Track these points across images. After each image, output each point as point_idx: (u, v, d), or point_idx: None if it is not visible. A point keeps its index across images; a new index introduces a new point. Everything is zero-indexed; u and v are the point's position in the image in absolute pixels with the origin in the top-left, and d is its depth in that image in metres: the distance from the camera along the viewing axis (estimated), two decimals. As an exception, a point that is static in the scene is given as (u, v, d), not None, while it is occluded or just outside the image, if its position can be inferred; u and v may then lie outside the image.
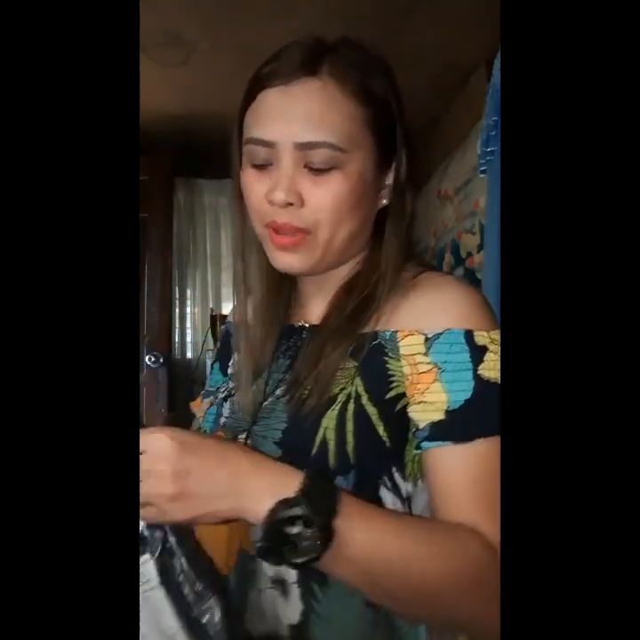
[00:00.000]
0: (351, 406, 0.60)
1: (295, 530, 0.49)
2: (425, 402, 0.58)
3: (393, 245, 0.66)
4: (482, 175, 1.86)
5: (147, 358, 2.67)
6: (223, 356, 0.81)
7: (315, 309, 0.70)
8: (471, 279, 2.22)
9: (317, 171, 0.60)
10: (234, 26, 1.96)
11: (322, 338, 0.64)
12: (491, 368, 0.57)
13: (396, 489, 0.61)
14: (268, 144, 0.61)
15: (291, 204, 0.60)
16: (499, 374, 0.57)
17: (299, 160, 0.60)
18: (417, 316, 0.61)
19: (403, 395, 0.60)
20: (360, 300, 0.65)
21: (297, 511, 0.49)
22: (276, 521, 0.49)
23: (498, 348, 0.58)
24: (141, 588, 0.51)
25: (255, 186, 0.63)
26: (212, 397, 0.76)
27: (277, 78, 0.61)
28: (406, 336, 0.60)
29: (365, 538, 0.52)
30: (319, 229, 0.62)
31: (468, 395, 0.56)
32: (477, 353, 0.57)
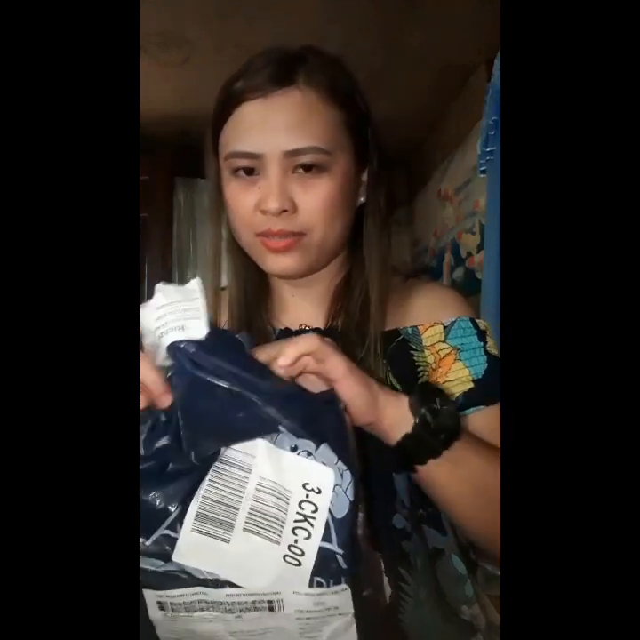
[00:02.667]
0: None
1: (435, 407, 0.54)
2: (449, 380, 0.65)
3: (374, 240, 0.69)
4: (482, 175, 1.87)
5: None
6: None
7: (305, 313, 0.71)
8: (471, 279, 2.22)
9: (307, 171, 0.62)
10: (234, 26, 1.96)
11: (344, 341, 0.66)
12: (492, 346, 0.67)
13: None
14: (255, 156, 0.62)
15: (285, 211, 0.62)
16: (498, 352, 0.66)
17: (287, 167, 0.62)
18: (431, 311, 0.69)
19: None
20: (363, 302, 0.68)
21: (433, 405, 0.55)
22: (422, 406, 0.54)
23: (491, 332, 0.68)
24: (322, 619, 0.42)
25: (242, 197, 0.64)
26: None
27: (255, 91, 0.62)
28: (427, 328, 0.68)
29: (478, 449, 0.57)
30: (313, 231, 0.64)
31: (484, 367, 0.65)
32: (482, 335, 0.67)
